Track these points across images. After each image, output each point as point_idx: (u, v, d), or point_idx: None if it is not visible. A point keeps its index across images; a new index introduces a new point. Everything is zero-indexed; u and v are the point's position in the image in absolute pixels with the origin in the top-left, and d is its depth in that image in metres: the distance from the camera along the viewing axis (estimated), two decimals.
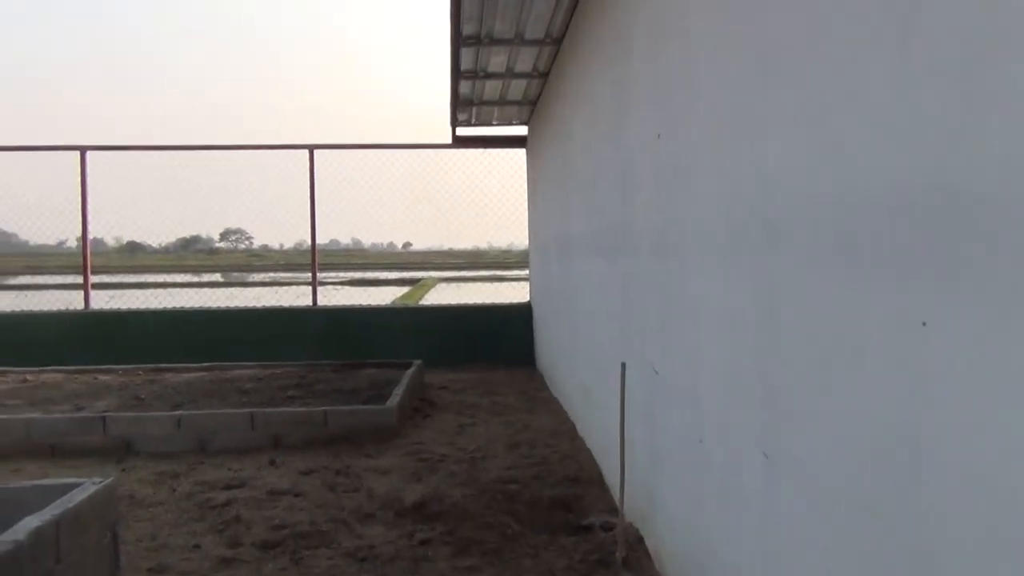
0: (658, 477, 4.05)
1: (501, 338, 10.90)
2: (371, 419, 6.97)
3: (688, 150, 3.36)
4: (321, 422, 6.88)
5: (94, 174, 10.84)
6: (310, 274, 11.17)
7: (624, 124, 4.76)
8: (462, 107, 9.90)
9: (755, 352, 2.69)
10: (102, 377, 9.04)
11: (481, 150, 11.12)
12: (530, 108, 10.17)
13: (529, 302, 11.20)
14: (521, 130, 11.09)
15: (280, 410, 7.01)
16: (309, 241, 11.39)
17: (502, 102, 9.82)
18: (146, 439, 6.74)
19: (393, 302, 27.47)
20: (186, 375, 9.15)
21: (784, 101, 2.39)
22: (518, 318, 11.01)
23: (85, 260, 10.87)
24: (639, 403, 4.34)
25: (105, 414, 6.84)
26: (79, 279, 10.86)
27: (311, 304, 10.95)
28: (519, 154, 11.27)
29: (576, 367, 7.04)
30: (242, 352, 10.40)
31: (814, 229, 2.24)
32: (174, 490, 5.65)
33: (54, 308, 11.13)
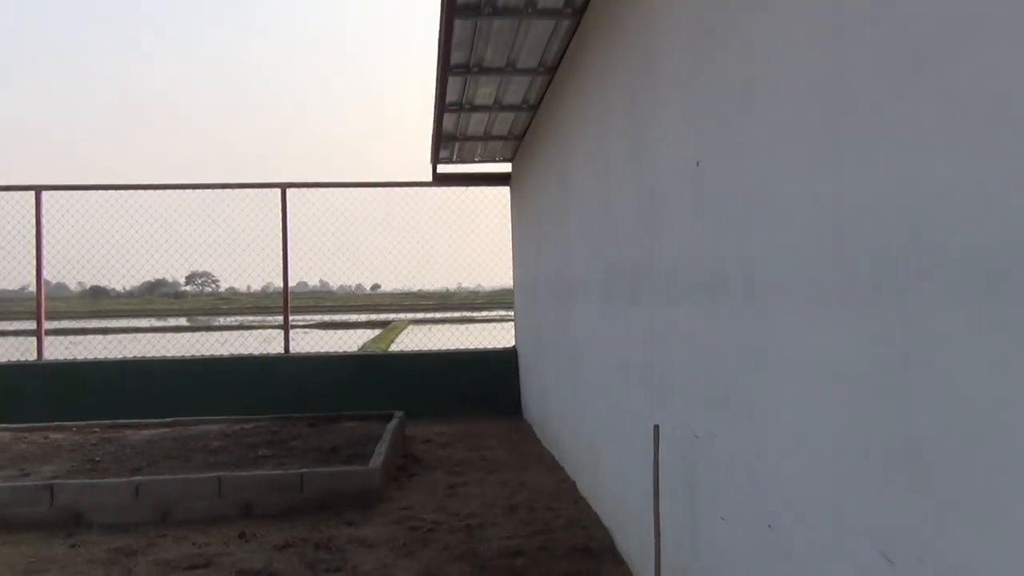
0: (704, 561, 3.41)
1: (485, 386, 10.23)
2: (353, 481, 6.26)
3: (753, 176, 2.78)
4: (297, 486, 6.15)
5: (52, 215, 10.11)
6: (279, 317, 10.46)
7: (645, 151, 4.19)
8: (445, 143, 9.33)
9: (875, 414, 2.08)
10: (54, 436, 8.23)
11: (461, 188, 10.53)
12: (515, 144, 9.62)
13: (514, 347, 10.56)
14: (504, 167, 10.54)
15: (251, 473, 6.28)
16: (277, 283, 10.76)
17: (487, 137, 9.26)
18: (100, 509, 5.97)
19: (364, 346, 26.69)
20: (147, 432, 8.37)
21: (915, 109, 1.81)
22: (503, 364, 10.36)
23: (39, 306, 10.07)
24: (674, 472, 3.71)
25: (53, 481, 6.06)
26: (53, 324, 10.06)
27: (283, 351, 10.22)
28: (501, 192, 10.71)
29: (579, 423, 6.40)
30: (209, 404, 9.64)
31: (960, 263, 1.66)
32: (130, 571, 4.90)
33: (2, 359, 10.28)
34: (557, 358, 7.49)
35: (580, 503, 6.20)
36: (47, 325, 9.90)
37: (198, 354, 10.33)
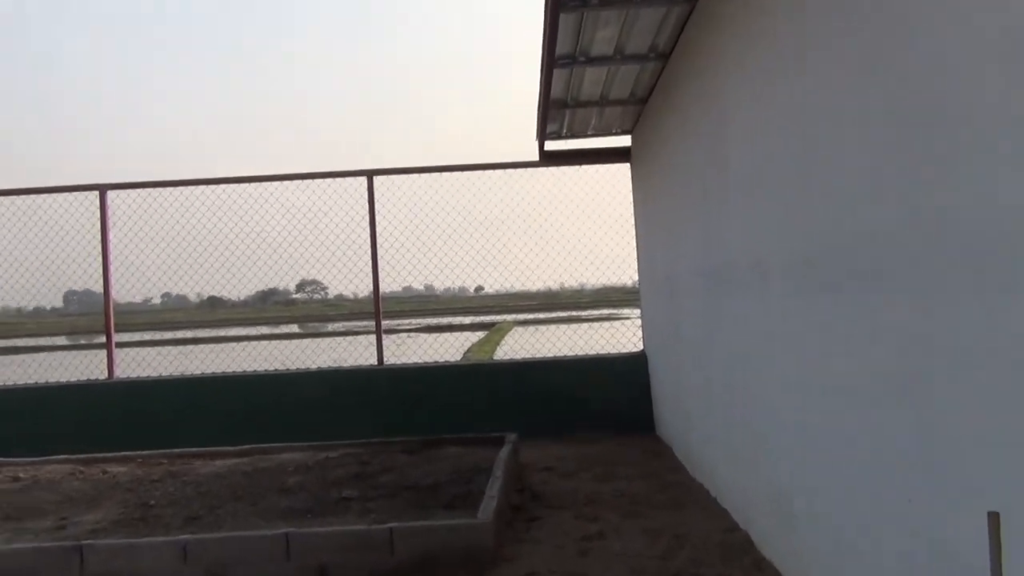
0: None
1: (610, 398, 8.57)
2: (457, 539, 4.70)
3: None
4: (386, 545, 4.63)
5: (153, 218, 9.01)
6: (386, 322, 9.07)
7: (897, 63, 2.48)
8: (554, 112, 7.71)
9: None
10: (114, 469, 6.97)
11: (572, 169, 8.88)
12: (637, 110, 7.93)
13: (643, 351, 8.86)
14: (623, 141, 8.86)
15: (327, 530, 4.79)
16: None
17: (603, 102, 7.61)
18: None
19: (470, 349, 25.31)
20: (218, 463, 7.03)
21: None
22: (630, 372, 8.67)
23: (107, 318, 8.91)
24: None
25: (83, 543, 4.72)
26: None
27: (376, 363, 8.79)
28: (615, 174, 9.01)
29: (755, 459, 4.68)
30: (294, 424, 8.29)
31: None
32: None
33: (74, 379, 9.18)
34: (707, 367, 5.79)
35: (764, 566, 4.49)
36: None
37: (282, 368, 9.00)
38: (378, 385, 8.56)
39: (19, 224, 9.11)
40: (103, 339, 9.06)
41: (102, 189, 8.89)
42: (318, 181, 8.96)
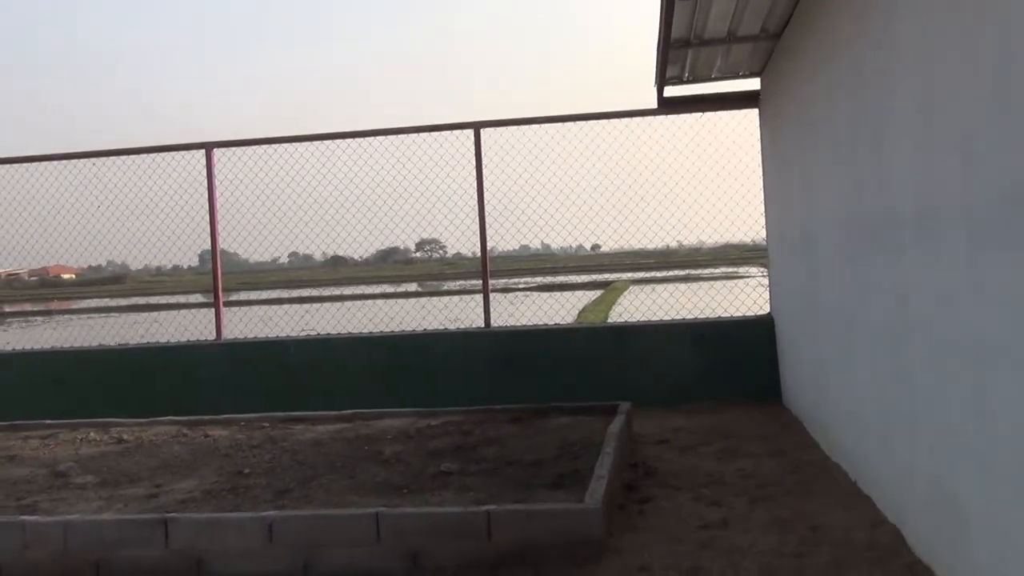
0: None
1: (733, 364, 7.85)
2: (561, 526, 4.19)
3: None
4: (483, 531, 4.16)
5: (278, 178, 8.83)
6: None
7: None
8: (674, 52, 6.96)
9: None
10: (216, 432, 6.77)
11: (695, 116, 8.10)
12: (768, 48, 7.09)
13: (769, 315, 8.07)
14: (750, 84, 8.01)
15: (420, 511, 4.36)
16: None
17: (730, 39, 6.81)
18: (224, 556, 4.29)
19: (584, 309, 24.70)
20: (320, 428, 6.73)
21: None
22: (755, 337, 7.92)
23: (216, 279, 8.77)
24: None
25: (167, 515, 4.44)
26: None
27: (483, 325, 8.33)
28: (740, 122, 8.15)
29: (910, 442, 3.96)
30: (398, 389, 7.98)
31: None
32: None
33: (183, 339, 9.11)
34: (853, 333, 5.03)
35: (917, 569, 3.80)
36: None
37: (386, 331, 8.65)
38: (483, 349, 8.10)
39: (147, 184, 9.07)
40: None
41: (208, 147, 8.69)
42: (427, 135, 8.49)
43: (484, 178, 8.22)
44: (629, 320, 8.57)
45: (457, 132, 8.36)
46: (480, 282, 8.50)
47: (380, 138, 8.59)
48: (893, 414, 4.28)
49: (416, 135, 8.55)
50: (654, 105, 8.01)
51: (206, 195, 8.73)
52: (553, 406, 6.82)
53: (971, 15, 2.97)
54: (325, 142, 8.69)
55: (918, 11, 3.56)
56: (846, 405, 5.29)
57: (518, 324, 8.46)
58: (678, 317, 8.40)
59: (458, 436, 6.18)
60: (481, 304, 8.46)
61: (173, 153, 8.90)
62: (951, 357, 3.37)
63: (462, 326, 8.77)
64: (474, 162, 8.22)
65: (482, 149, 8.21)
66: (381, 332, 8.61)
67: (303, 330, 9.10)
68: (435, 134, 8.48)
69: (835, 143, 5.16)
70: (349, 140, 8.65)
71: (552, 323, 8.49)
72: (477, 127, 8.22)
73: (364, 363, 8.19)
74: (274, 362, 8.34)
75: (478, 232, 8.37)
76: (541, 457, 5.46)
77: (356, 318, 9.74)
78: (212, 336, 8.75)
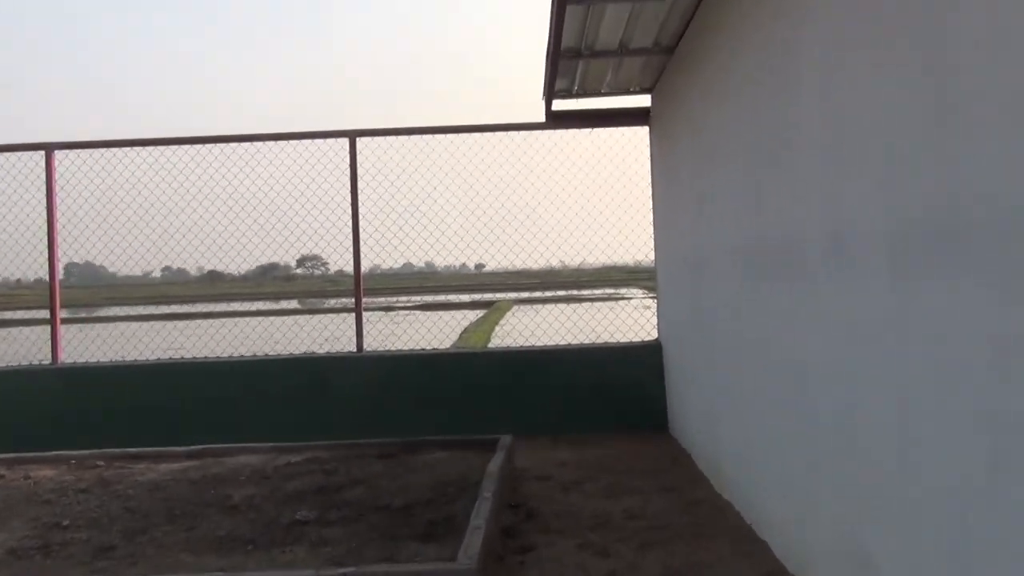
0: None
1: (617, 392, 7.44)
2: None
3: None
4: None
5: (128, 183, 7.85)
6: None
7: None
8: (564, 63, 6.53)
9: None
10: (40, 473, 5.85)
11: (584, 132, 7.70)
12: (661, 62, 6.75)
13: (657, 340, 7.72)
14: (640, 101, 7.67)
15: (262, 574, 3.70)
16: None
17: (622, 51, 6.43)
18: None
19: (467, 329, 24.18)
20: (163, 467, 5.92)
21: None
22: (642, 364, 7.54)
23: (52, 295, 7.77)
24: None
25: None
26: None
27: (355, 350, 7.65)
28: (627, 140, 7.79)
29: (826, 495, 3.56)
30: (259, 419, 7.20)
31: None
32: None
33: (16, 363, 8.04)
34: (749, 365, 4.66)
35: None
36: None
37: (247, 355, 7.86)
38: (354, 375, 7.43)
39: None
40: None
41: (48, 148, 7.73)
42: (305, 145, 7.78)
43: (360, 191, 7.57)
44: (511, 345, 8.07)
45: (332, 142, 7.69)
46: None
47: (249, 145, 7.83)
48: (793, 453, 3.90)
49: (289, 142, 7.84)
50: (543, 119, 7.57)
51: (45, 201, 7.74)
52: (428, 440, 6.22)
53: (888, 18, 2.59)
54: (198, 147, 7.85)
55: (828, 14, 3.20)
56: (740, 441, 4.91)
57: (392, 348, 7.82)
58: (562, 342, 7.94)
59: (320, 476, 5.50)
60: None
61: (8, 154, 7.88)
62: (864, 394, 2.98)
63: (334, 349, 8.05)
64: (348, 173, 7.57)
65: (357, 160, 7.56)
66: (241, 356, 7.81)
67: (169, 350, 8.22)
68: (312, 144, 7.78)
69: (732, 162, 4.80)
70: (223, 145, 7.85)
71: (430, 347, 7.90)
72: (353, 136, 7.58)
73: (219, 391, 7.37)
74: (118, 390, 7.41)
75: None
76: (412, 500, 4.85)
77: (228, 337, 8.89)
78: (48, 359, 7.75)
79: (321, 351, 7.82)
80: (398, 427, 7.01)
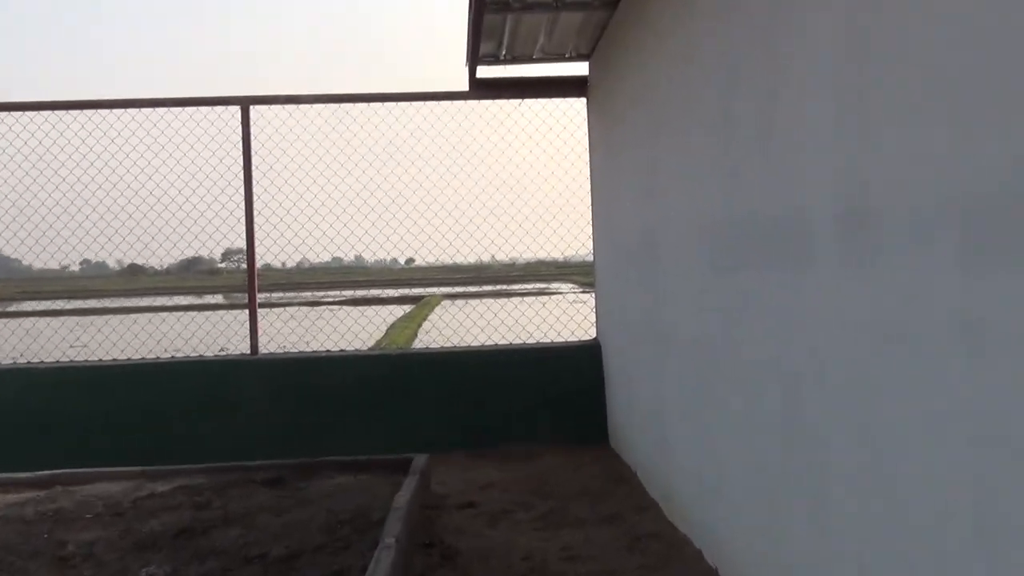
0: None
1: (550, 399, 6.49)
2: None
3: None
4: None
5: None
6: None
7: None
8: (490, 20, 5.54)
9: None
10: None
11: (512, 103, 6.71)
12: (602, 20, 5.81)
13: (596, 340, 6.79)
14: (577, 69, 6.72)
15: None
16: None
17: (558, 4, 5.46)
18: None
19: (394, 325, 22.99)
20: (2, 499, 4.75)
21: None
22: (578, 367, 6.60)
23: None
24: None
25: None
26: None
27: (249, 352, 6.53)
28: (565, 111, 6.83)
29: (829, 522, 2.65)
30: (126, 436, 6.06)
31: None
32: None
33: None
34: (712, 370, 3.75)
35: None
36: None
37: (121, 359, 6.64)
38: (249, 382, 6.31)
39: None
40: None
41: None
42: (197, 120, 6.59)
43: (254, 167, 6.45)
44: (430, 347, 7.06)
45: (223, 112, 6.55)
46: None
47: (130, 120, 6.62)
48: (778, 485, 2.99)
49: (178, 115, 6.66)
50: (466, 87, 6.56)
51: None
52: (327, 461, 5.17)
53: None
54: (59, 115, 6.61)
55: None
56: (704, 464, 4.00)
57: (293, 351, 6.73)
58: (489, 342, 6.95)
59: (188, 511, 4.41)
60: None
61: None
62: (898, 416, 2.07)
63: (227, 351, 6.92)
64: (241, 147, 6.44)
65: (251, 132, 6.45)
66: (112, 360, 6.58)
67: (71, 349, 6.99)
68: (205, 120, 6.61)
69: (697, 126, 3.87)
70: (91, 113, 6.61)
71: (342, 347, 6.82)
72: (245, 103, 6.45)
73: (85, 402, 6.17)
74: None
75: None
76: (297, 547, 3.81)
77: (141, 335, 7.63)
78: None
79: (209, 354, 6.66)
80: (297, 444, 5.97)
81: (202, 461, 5.34)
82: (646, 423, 5.20)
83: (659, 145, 4.58)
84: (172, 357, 6.53)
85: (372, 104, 6.53)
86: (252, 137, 6.46)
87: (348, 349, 6.77)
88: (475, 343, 6.94)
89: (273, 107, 6.52)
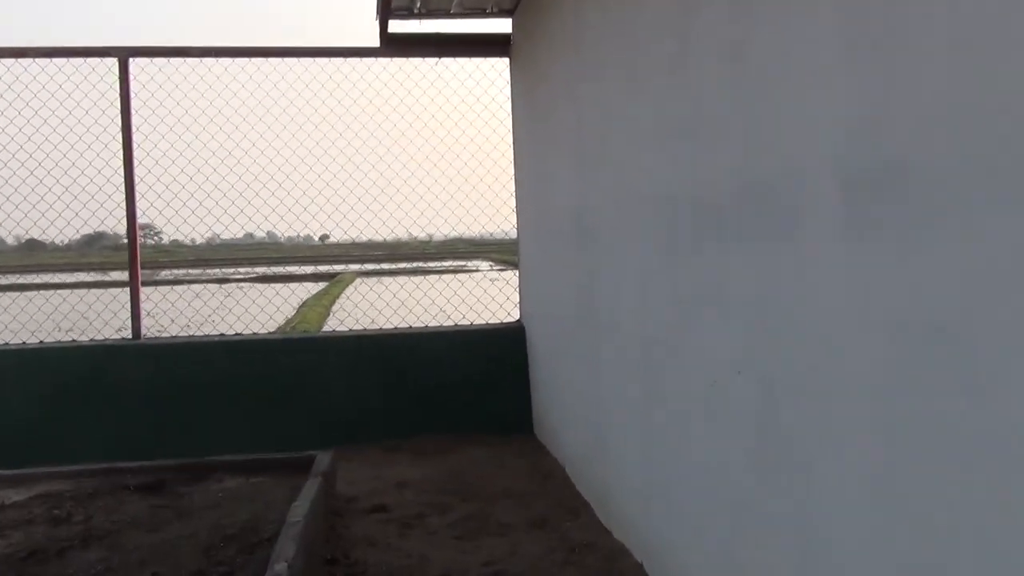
0: None
1: (469, 385, 5.93)
2: None
3: None
4: None
5: None
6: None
7: None
8: None
9: None
10: None
11: (427, 62, 6.07)
12: None
13: (519, 322, 6.25)
14: (499, 26, 6.12)
15: None
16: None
17: None
18: None
19: (306, 303, 22.04)
20: None
21: None
22: (500, 351, 6.04)
23: None
24: None
25: None
26: None
27: (131, 336, 5.76)
28: (485, 72, 6.23)
29: (821, 552, 2.16)
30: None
31: None
32: None
33: None
34: (658, 360, 3.24)
35: None
36: None
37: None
38: (131, 370, 5.54)
39: None
40: None
41: None
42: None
43: (132, 125, 5.65)
44: (339, 330, 6.41)
45: (98, 65, 5.71)
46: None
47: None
48: (750, 497, 2.51)
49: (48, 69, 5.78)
50: (377, 43, 5.88)
51: None
52: (216, 462, 4.48)
53: None
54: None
55: None
56: (648, 467, 3.50)
57: (182, 335, 5.98)
58: (403, 325, 6.33)
59: (44, 526, 3.69)
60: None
61: None
62: (890, 401, 1.58)
63: (116, 335, 6.11)
64: (119, 104, 5.63)
65: (130, 88, 5.64)
66: None
67: None
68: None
69: (645, 76, 3.33)
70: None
71: (241, 332, 6.10)
72: (124, 55, 5.63)
73: None
74: None
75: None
76: (169, 573, 3.16)
77: (38, 315, 6.72)
78: None
79: (84, 338, 5.86)
80: (185, 440, 5.28)
81: (72, 461, 4.60)
82: (576, 416, 4.69)
83: (594, 102, 4.03)
84: (41, 342, 5.68)
85: (270, 60, 5.79)
86: (133, 95, 5.65)
87: (245, 333, 6.06)
88: (388, 326, 6.32)
89: (156, 61, 5.72)
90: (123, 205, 5.70)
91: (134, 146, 5.64)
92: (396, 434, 5.71)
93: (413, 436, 5.72)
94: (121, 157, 5.63)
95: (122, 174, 5.67)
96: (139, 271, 5.76)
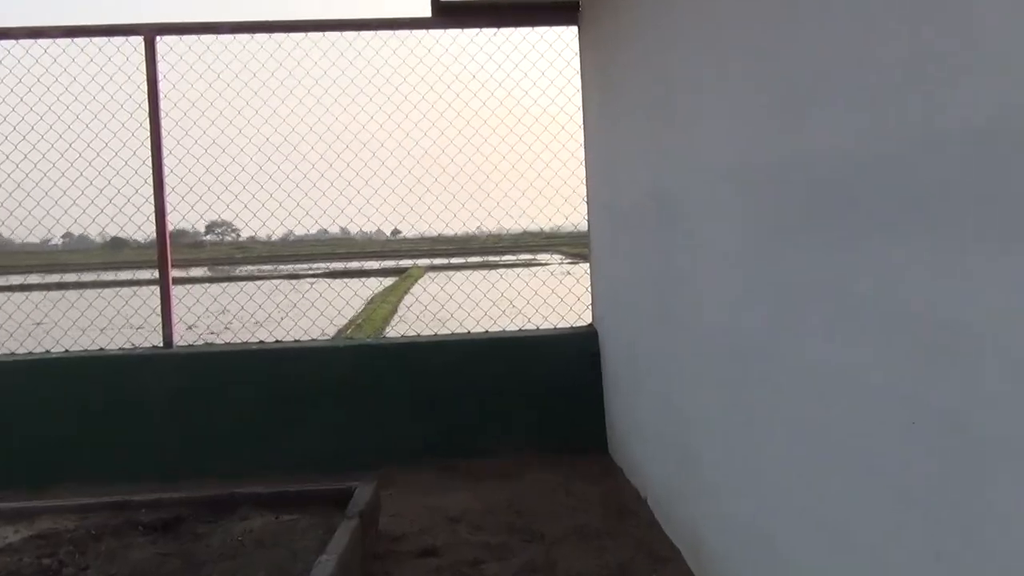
0: None
1: (538, 399, 5.20)
2: None
3: None
4: None
5: None
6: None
7: None
8: None
9: None
10: None
11: (485, 33, 5.35)
12: None
13: (591, 327, 5.49)
14: None
15: None
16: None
17: None
18: None
19: (372, 300, 21.61)
20: None
21: None
22: (569, 359, 5.28)
23: None
24: None
25: None
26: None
27: (161, 344, 5.19)
28: (552, 43, 5.47)
29: None
30: (12, 451, 4.76)
31: None
32: None
33: None
34: (770, 372, 2.46)
35: None
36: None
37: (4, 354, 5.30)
38: (159, 383, 4.97)
39: None
40: None
41: None
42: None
43: (162, 110, 5.08)
44: (392, 337, 5.76)
45: (122, 43, 5.16)
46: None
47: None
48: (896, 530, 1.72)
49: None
50: (428, 13, 5.18)
51: None
52: (244, 494, 3.85)
53: None
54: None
55: None
56: (748, 503, 2.72)
57: (217, 343, 5.40)
58: (469, 320, 5.64)
59: (33, 573, 3.11)
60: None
61: None
62: None
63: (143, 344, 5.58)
64: (146, 88, 5.05)
65: (158, 68, 5.06)
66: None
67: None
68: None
69: (743, 37, 2.55)
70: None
71: (272, 341, 5.49)
72: (150, 33, 5.05)
73: None
74: None
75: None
76: None
77: (108, 310, 6.29)
78: None
79: (113, 347, 5.31)
80: (219, 455, 4.69)
81: (92, 482, 4.05)
82: (661, 436, 3.92)
83: (680, 66, 3.24)
84: (66, 351, 5.15)
85: (310, 35, 5.15)
86: (161, 77, 5.07)
87: (302, 340, 5.44)
88: (452, 322, 5.65)
89: (186, 39, 5.13)
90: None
91: (162, 134, 5.07)
92: (451, 452, 5.02)
93: (470, 455, 5.02)
94: (149, 147, 5.05)
95: (150, 165, 5.10)
96: (170, 270, 5.19)
